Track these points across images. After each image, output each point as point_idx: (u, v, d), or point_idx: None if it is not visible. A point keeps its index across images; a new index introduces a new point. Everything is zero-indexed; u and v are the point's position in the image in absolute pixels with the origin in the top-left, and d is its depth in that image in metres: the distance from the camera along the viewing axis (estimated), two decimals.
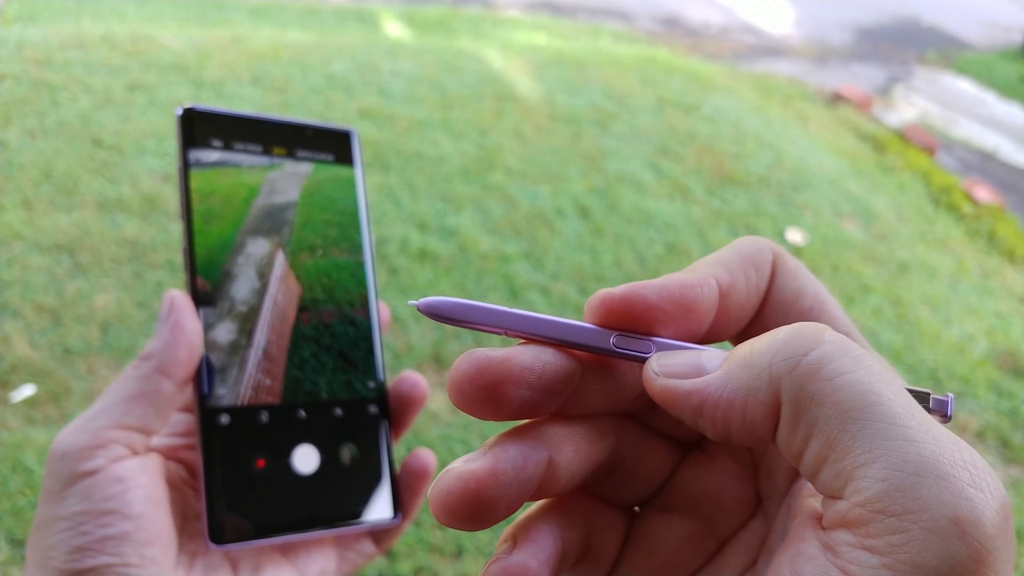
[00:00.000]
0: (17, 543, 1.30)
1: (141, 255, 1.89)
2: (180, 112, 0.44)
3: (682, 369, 0.23)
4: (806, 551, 0.21)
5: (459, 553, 1.42)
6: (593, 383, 0.25)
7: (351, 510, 0.43)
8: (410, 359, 1.79)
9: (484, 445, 0.24)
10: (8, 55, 2.61)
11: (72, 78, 2.53)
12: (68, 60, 2.63)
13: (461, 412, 1.69)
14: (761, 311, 0.27)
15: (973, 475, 0.19)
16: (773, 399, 0.21)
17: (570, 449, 0.24)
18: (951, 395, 0.24)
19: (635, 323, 0.25)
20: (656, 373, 0.24)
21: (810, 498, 0.24)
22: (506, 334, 0.25)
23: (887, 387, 0.20)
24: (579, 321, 0.25)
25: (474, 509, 0.22)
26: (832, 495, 0.20)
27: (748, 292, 0.27)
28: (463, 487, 0.22)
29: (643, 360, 0.25)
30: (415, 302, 0.25)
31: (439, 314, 0.24)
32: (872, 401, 0.20)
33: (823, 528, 0.21)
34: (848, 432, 0.20)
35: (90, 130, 2.29)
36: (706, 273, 0.26)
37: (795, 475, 0.26)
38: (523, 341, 0.25)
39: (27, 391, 1.53)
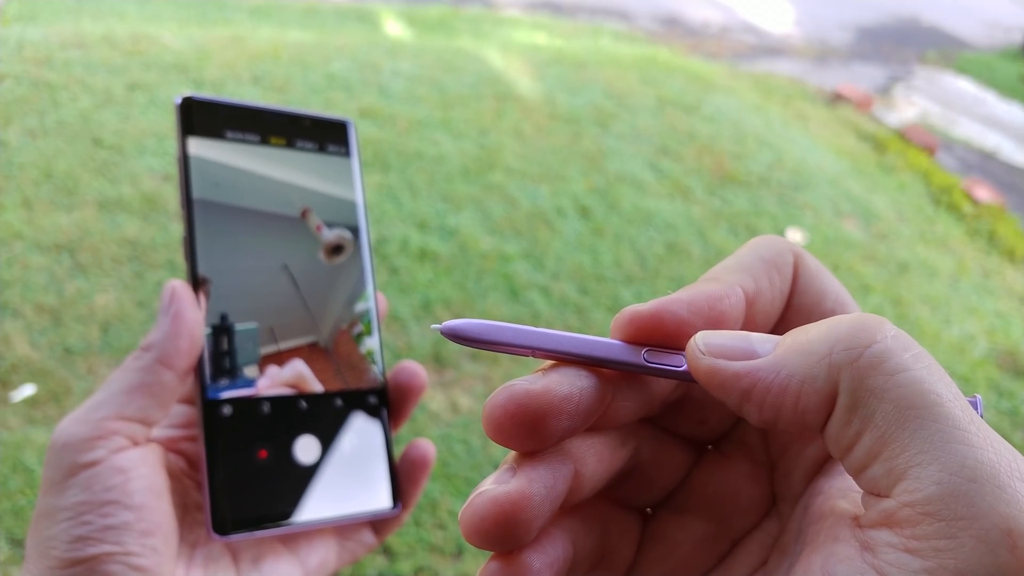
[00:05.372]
0: (17, 543, 1.30)
1: (141, 255, 1.89)
2: (179, 101, 0.44)
3: (731, 349, 0.23)
4: (840, 551, 0.20)
5: (459, 553, 1.42)
6: (623, 399, 0.25)
7: (352, 500, 0.43)
8: (410, 358, 1.78)
9: (508, 461, 0.23)
10: (8, 55, 2.61)
11: (72, 78, 2.53)
12: (68, 60, 2.63)
13: (461, 412, 1.69)
14: (784, 314, 0.27)
15: None
16: (830, 388, 0.21)
17: (593, 459, 0.24)
18: (979, 396, 0.23)
19: (665, 339, 0.24)
20: (702, 352, 0.23)
21: (839, 500, 0.23)
22: (533, 355, 0.24)
23: (947, 388, 0.20)
24: (606, 338, 0.24)
25: (509, 532, 0.21)
26: (877, 492, 0.20)
27: (772, 297, 0.26)
28: (498, 510, 0.21)
29: (676, 374, 0.24)
30: (437, 326, 0.24)
31: (464, 336, 0.23)
32: (933, 401, 0.19)
33: (860, 527, 0.20)
34: (906, 430, 0.19)
35: (90, 130, 2.29)
36: (731, 282, 0.25)
37: (812, 475, 0.26)
38: (552, 362, 0.24)
39: (27, 391, 1.53)
